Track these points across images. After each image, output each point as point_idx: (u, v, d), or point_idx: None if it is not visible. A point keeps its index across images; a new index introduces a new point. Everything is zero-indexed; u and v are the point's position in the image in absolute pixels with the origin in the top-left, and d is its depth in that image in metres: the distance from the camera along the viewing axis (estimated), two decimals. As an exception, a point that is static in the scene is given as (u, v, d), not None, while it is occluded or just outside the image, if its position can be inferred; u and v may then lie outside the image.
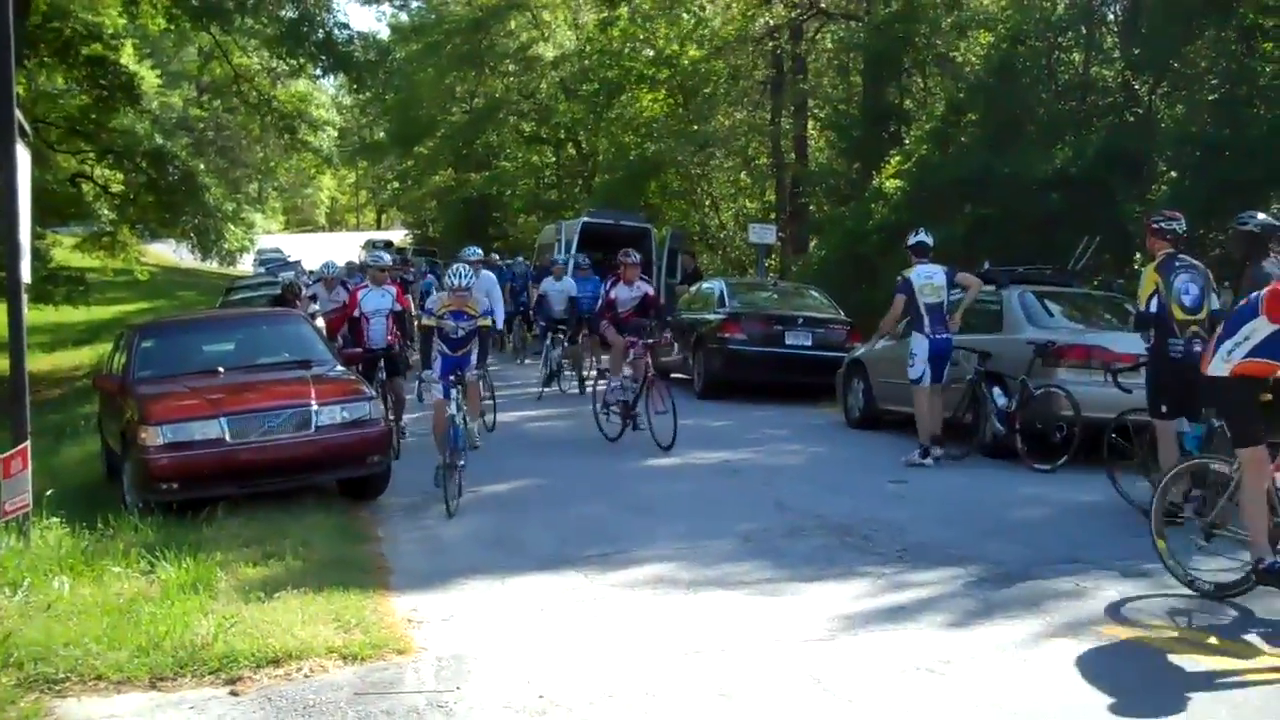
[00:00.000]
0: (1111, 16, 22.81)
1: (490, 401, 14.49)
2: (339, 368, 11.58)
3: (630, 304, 13.74)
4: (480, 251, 17.03)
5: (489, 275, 16.77)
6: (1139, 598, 7.01)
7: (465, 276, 11.33)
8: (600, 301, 14.58)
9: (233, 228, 35.12)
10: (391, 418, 12.56)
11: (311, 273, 34.62)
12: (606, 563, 8.10)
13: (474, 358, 11.52)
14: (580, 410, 14.89)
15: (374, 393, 11.11)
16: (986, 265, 14.01)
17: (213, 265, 52.87)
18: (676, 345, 17.91)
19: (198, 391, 10.43)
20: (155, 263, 47.19)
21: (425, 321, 11.82)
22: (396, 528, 9.62)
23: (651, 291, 14.26)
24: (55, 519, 8.92)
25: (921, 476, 11.17)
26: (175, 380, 10.85)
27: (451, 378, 10.84)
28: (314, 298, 16.55)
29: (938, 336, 11.97)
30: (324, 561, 8.01)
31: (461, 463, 10.31)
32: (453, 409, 10.51)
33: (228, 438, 9.83)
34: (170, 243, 42.81)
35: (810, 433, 13.95)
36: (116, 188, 32.36)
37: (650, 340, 13.36)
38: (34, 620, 6.56)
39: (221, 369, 11.13)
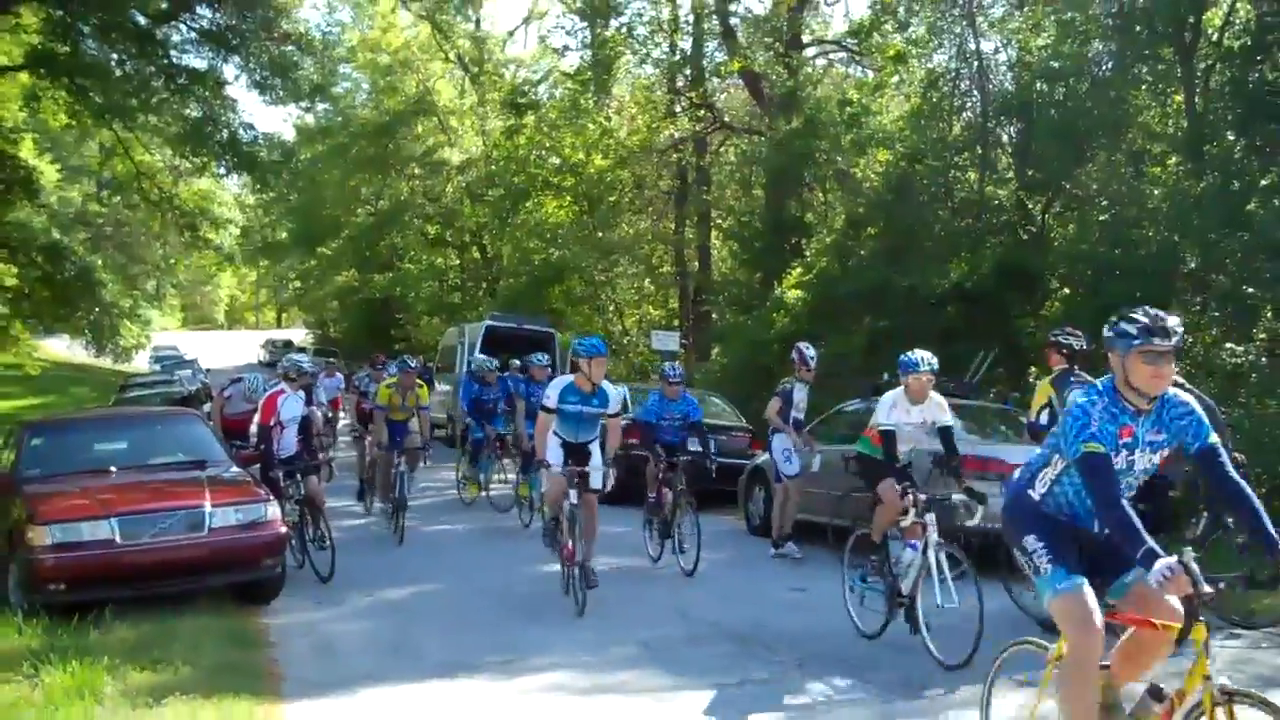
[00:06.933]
0: (1006, 138, 23.53)
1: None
2: (234, 469, 11.37)
3: None
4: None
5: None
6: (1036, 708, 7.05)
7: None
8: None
9: (129, 324, 34.62)
10: (310, 523, 11.93)
11: (209, 370, 34.07)
12: (505, 670, 8.01)
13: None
14: (482, 514, 14.73)
15: (269, 494, 10.85)
16: (885, 377, 14.22)
17: (107, 362, 51.98)
18: None
19: (88, 491, 10.19)
20: (47, 358, 46.18)
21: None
22: (290, 633, 9.41)
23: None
24: (-66, 621, 8.64)
25: (820, 583, 11.21)
26: (65, 479, 10.60)
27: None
28: (229, 398, 15.83)
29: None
30: (214, 667, 7.82)
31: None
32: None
33: (118, 539, 9.58)
34: (64, 338, 42.02)
35: (712, 540, 13.92)
36: (10, 281, 31.86)
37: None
38: (-93, 727, 6.32)
39: (114, 468, 10.91)
